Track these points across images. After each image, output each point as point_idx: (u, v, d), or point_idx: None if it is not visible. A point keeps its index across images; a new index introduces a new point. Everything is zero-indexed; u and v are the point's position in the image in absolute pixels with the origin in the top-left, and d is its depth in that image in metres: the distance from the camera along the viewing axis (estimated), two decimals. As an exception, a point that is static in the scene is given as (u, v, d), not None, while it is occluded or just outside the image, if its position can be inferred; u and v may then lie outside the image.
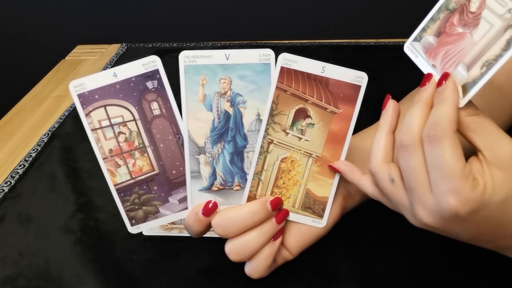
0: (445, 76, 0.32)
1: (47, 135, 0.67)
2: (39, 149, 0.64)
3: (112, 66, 0.86)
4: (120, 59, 0.89)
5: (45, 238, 0.50)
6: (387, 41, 0.86)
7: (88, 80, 0.36)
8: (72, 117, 0.71)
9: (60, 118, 0.71)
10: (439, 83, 0.32)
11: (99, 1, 0.96)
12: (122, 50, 0.92)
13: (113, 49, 0.94)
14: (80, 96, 0.36)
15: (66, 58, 0.93)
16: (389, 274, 0.43)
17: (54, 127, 0.69)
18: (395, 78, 0.73)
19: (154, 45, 0.93)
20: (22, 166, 0.61)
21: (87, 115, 0.36)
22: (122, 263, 0.46)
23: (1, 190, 0.57)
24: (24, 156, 0.63)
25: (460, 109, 0.31)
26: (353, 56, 0.82)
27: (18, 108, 0.76)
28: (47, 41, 1.04)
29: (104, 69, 0.85)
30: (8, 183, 0.58)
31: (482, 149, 0.31)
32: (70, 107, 0.74)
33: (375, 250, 0.45)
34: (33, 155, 0.63)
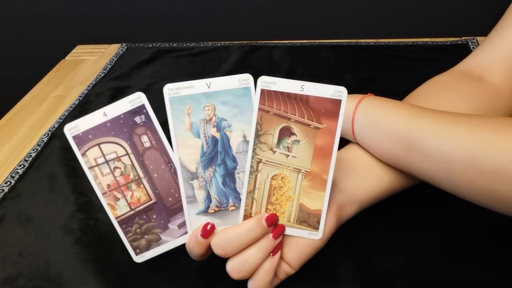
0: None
1: (47, 135, 0.67)
2: (39, 149, 0.64)
3: (112, 66, 0.86)
4: (120, 59, 0.89)
5: (45, 238, 0.50)
6: (387, 41, 0.86)
7: (81, 121, 0.38)
8: (72, 117, 0.71)
9: (60, 118, 0.71)
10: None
11: (99, 1, 0.96)
12: (122, 50, 0.92)
13: (113, 49, 0.94)
14: (75, 138, 0.38)
15: (66, 58, 0.93)
16: (389, 274, 0.43)
17: (54, 127, 0.69)
18: (395, 78, 0.73)
19: (154, 45, 0.93)
20: (22, 166, 0.61)
21: (83, 154, 0.38)
22: (122, 263, 0.46)
23: (1, 190, 0.57)
24: (24, 156, 0.63)
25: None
26: (353, 56, 0.82)
27: (18, 108, 0.76)
28: (47, 41, 1.04)
29: (104, 69, 0.85)
30: (8, 183, 0.58)
31: None
32: (70, 107, 0.74)
33: (375, 250, 0.45)
34: (33, 155, 0.63)
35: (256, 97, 0.38)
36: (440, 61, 0.76)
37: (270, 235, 0.38)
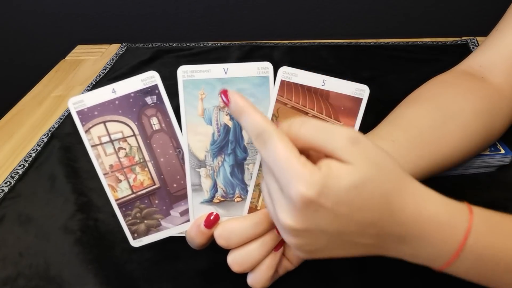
0: (224, 94, 0.34)
1: (47, 135, 0.67)
2: (39, 149, 0.64)
3: (112, 66, 0.86)
4: (120, 59, 0.89)
5: (45, 238, 0.50)
6: (387, 41, 0.86)
7: (87, 96, 0.36)
8: (71, 117, 0.71)
9: (60, 118, 0.71)
10: (227, 103, 0.34)
11: (99, 1, 0.96)
12: (122, 50, 0.92)
13: (113, 49, 0.94)
14: (79, 113, 0.36)
15: (66, 58, 0.93)
16: (389, 274, 0.42)
17: (54, 127, 0.69)
18: (395, 78, 0.73)
19: (154, 45, 0.93)
20: (22, 166, 0.61)
21: (86, 131, 0.36)
22: (122, 263, 0.46)
23: (1, 190, 0.57)
24: (24, 156, 0.63)
25: (288, 127, 0.32)
26: (353, 56, 0.82)
27: (18, 108, 0.76)
28: (47, 41, 1.04)
29: (104, 69, 0.85)
30: (8, 183, 0.58)
31: (322, 147, 0.31)
32: (70, 107, 0.74)
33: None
34: (33, 155, 0.63)
35: (275, 87, 0.37)
36: (440, 61, 0.76)
37: (275, 231, 0.37)
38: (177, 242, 0.47)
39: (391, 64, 0.78)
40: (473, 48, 0.80)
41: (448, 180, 0.52)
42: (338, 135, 0.30)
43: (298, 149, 0.31)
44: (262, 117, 0.32)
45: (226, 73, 0.37)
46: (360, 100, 0.37)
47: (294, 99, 0.37)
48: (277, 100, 0.37)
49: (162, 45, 0.93)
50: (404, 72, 0.75)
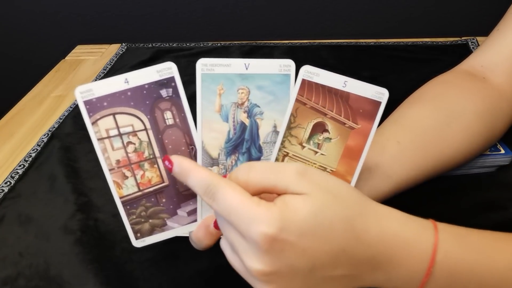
0: (167, 159, 0.34)
1: (47, 135, 0.67)
2: (39, 149, 0.64)
3: (112, 66, 0.86)
4: (120, 59, 0.89)
5: (45, 238, 0.50)
6: (387, 41, 0.86)
7: (96, 86, 0.33)
8: (72, 117, 0.71)
9: (60, 118, 0.71)
10: (170, 168, 0.33)
11: (99, 1, 0.96)
12: (122, 50, 0.92)
13: (113, 49, 0.94)
14: (86, 103, 0.33)
15: (66, 58, 0.93)
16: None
17: (54, 127, 0.69)
18: (395, 78, 0.73)
19: (154, 45, 0.93)
20: (22, 166, 0.61)
21: (93, 123, 0.34)
22: (122, 263, 0.46)
23: (1, 190, 0.57)
24: (24, 156, 0.63)
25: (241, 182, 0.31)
26: (353, 56, 0.82)
27: (18, 108, 0.76)
28: (47, 41, 1.04)
29: (104, 69, 0.85)
30: (8, 183, 0.58)
31: (273, 186, 0.31)
32: (70, 107, 0.74)
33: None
34: (33, 155, 0.63)
35: (295, 86, 0.36)
36: (440, 61, 0.76)
37: None
38: (177, 242, 0.47)
39: (391, 64, 0.78)
40: (473, 48, 0.80)
41: (448, 180, 0.52)
42: (286, 171, 0.30)
43: (250, 194, 0.30)
44: (208, 172, 0.32)
45: (247, 68, 0.35)
46: (379, 103, 0.36)
47: (314, 99, 0.36)
48: (296, 100, 0.36)
49: (162, 45, 0.93)
50: (404, 72, 0.75)
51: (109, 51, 0.93)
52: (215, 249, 0.44)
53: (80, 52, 0.95)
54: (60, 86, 0.82)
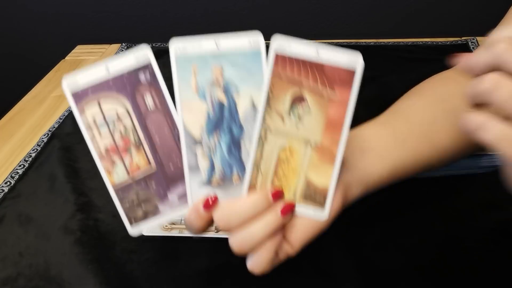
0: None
1: (47, 135, 0.67)
2: (39, 149, 0.64)
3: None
4: (120, 59, 0.89)
5: (45, 238, 0.50)
6: (387, 41, 0.86)
7: (80, 76, 0.36)
8: (72, 117, 0.70)
9: (60, 118, 0.71)
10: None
11: (99, 1, 0.96)
12: (122, 50, 0.92)
13: (113, 49, 0.94)
14: (73, 93, 0.36)
15: (66, 58, 0.93)
16: (389, 273, 0.42)
17: (54, 127, 0.69)
18: (395, 78, 0.73)
19: (154, 45, 0.93)
20: (22, 166, 0.61)
21: (81, 112, 0.36)
22: (122, 263, 0.46)
23: (1, 190, 0.57)
24: (24, 156, 0.63)
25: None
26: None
27: (18, 108, 0.76)
28: (47, 41, 1.04)
29: (104, 69, 0.85)
30: (8, 183, 0.58)
31: None
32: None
33: (375, 250, 0.45)
34: (33, 155, 0.63)
35: (269, 61, 0.36)
36: (440, 61, 0.76)
37: (278, 212, 0.36)
38: (177, 242, 0.47)
39: (391, 64, 0.78)
40: (473, 48, 0.80)
41: (447, 180, 0.52)
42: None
43: None
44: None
45: (218, 47, 0.36)
46: (354, 71, 0.36)
47: (289, 71, 0.36)
48: (271, 74, 0.36)
49: (162, 45, 0.93)
50: (404, 72, 0.75)
51: (109, 51, 0.93)
52: (215, 248, 0.44)
53: (80, 52, 0.95)
54: (60, 86, 0.82)
